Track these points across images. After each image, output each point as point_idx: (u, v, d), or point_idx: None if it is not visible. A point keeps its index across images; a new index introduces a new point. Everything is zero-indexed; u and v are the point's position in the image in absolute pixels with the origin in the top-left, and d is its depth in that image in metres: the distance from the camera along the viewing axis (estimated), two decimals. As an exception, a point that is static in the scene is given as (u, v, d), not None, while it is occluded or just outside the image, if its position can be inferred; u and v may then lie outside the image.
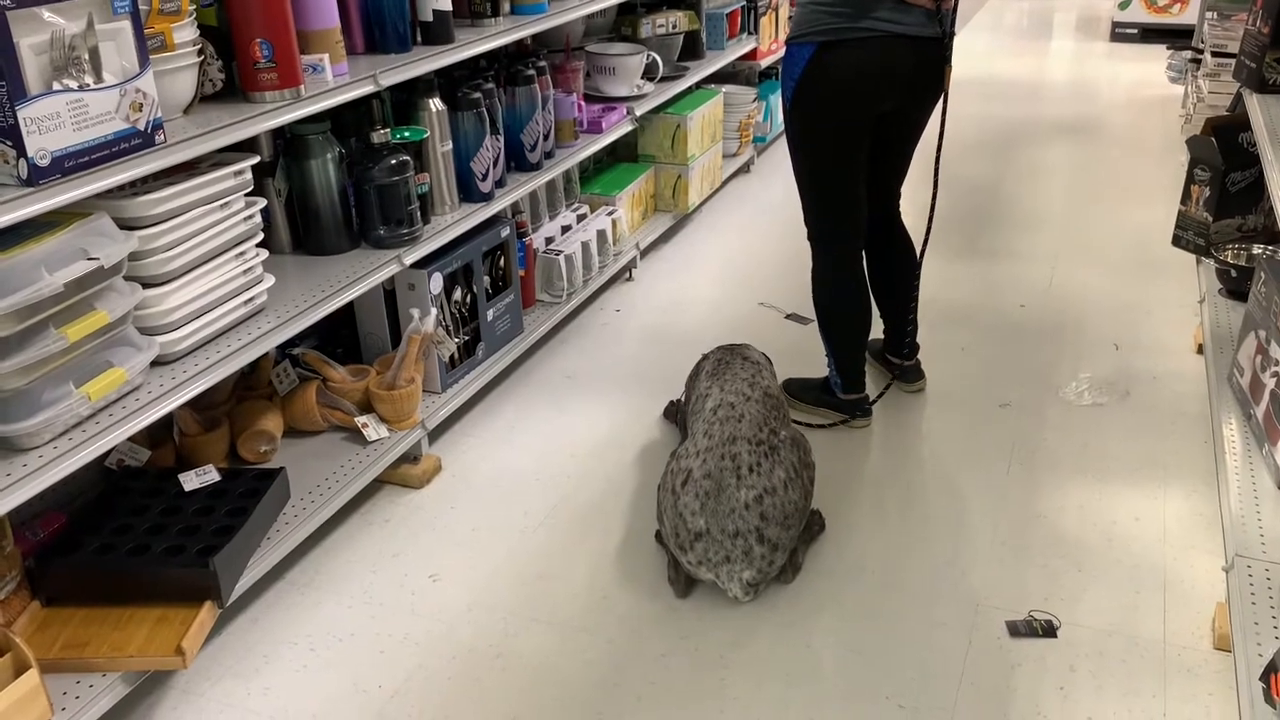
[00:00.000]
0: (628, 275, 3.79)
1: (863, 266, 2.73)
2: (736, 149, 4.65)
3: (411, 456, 2.66)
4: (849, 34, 2.35)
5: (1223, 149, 3.16)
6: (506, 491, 2.61)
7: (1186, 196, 3.32)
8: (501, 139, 2.87)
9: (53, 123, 1.60)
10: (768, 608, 2.19)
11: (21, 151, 1.57)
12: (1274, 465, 2.19)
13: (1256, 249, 3.10)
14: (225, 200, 2.02)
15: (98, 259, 1.69)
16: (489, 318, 2.92)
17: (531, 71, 2.97)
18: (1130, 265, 3.75)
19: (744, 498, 2.12)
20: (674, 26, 3.91)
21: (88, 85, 1.65)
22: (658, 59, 3.68)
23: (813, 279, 2.75)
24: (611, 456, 2.74)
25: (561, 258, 3.25)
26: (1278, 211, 2.11)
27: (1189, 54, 5.28)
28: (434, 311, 2.65)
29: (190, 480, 2.18)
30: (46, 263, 1.63)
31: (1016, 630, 2.10)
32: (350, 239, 2.51)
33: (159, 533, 2.03)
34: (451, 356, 2.79)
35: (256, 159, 2.09)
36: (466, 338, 2.85)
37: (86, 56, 1.64)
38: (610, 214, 3.57)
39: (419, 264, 2.60)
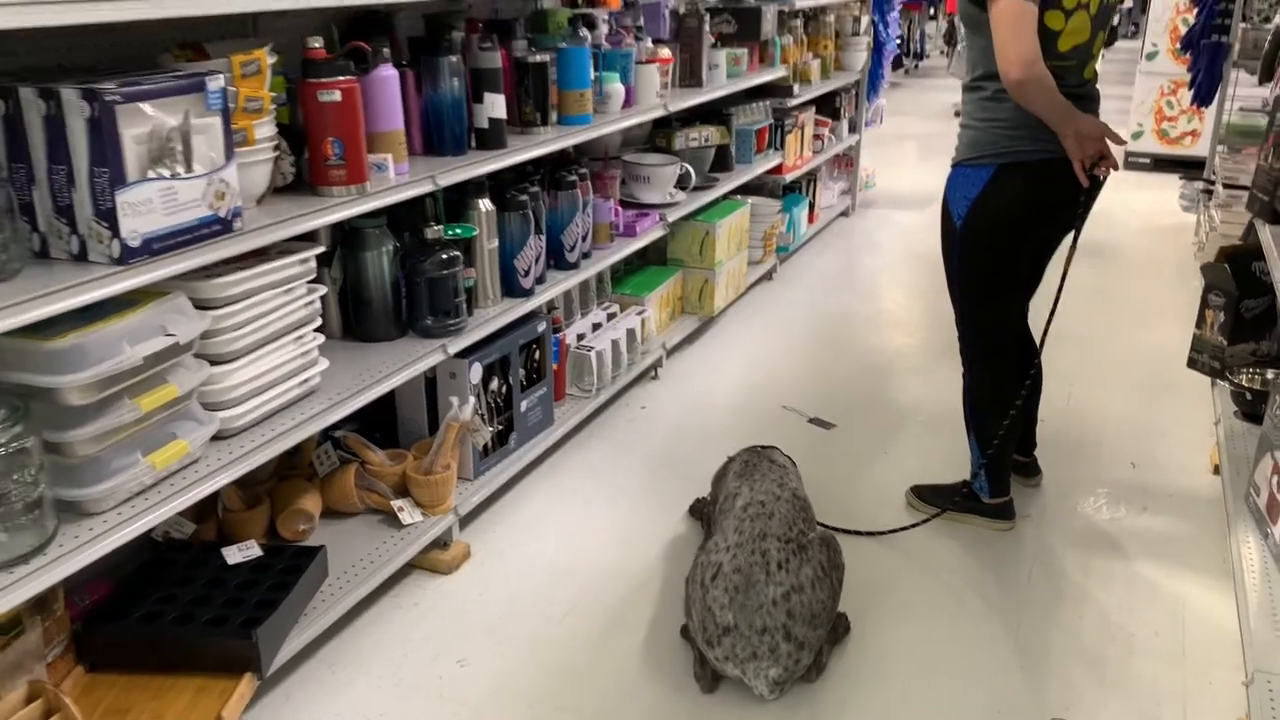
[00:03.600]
0: (654, 374, 3.88)
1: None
2: (760, 257, 4.80)
3: (442, 542, 2.71)
4: (1026, 156, 2.48)
5: (1237, 276, 3.28)
6: (534, 581, 2.65)
7: (1201, 321, 3.42)
8: (544, 239, 3.00)
9: (146, 207, 1.72)
10: (792, 707, 2.21)
11: (115, 233, 1.68)
12: (1292, 583, 2.23)
13: (1271, 373, 3.19)
14: (290, 286, 2.13)
15: (175, 336, 1.79)
16: (522, 408, 3.01)
17: (574, 177, 3.11)
18: (1146, 386, 3.84)
19: (773, 594, 2.17)
20: (706, 140, 4.09)
21: (179, 174, 1.77)
22: (690, 170, 3.84)
23: (970, 393, 2.83)
24: (637, 551, 2.79)
25: (593, 354, 3.35)
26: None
27: (1201, 184, 5.45)
28: (472, 400, 2.73)
29: (233, 554, 2.25)
30: (128, 337, 1.73)
31: (1039, 738, 2.12)
32: (399, 327, 2.62)
33: (202, 604, 2.09)
34: (486, 445, 2.86)
35: (321, 249, 2.20)
36: (500, 427, 2.93)
37: (180, 148, 1.77)
38: (640, 313, 3.69)
39: (461, 354, 2.70)
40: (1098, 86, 2.62)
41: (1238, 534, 2.54)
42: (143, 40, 2.10)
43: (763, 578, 2.19)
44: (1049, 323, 2.77)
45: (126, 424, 1.76)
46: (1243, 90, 5.58)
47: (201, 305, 1.93)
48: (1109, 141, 2.44)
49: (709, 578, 2.24)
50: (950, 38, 10.61)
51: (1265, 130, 3.17)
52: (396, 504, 2.62)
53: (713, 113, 4.35)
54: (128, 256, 1.70)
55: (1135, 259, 5.33)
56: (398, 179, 2.36)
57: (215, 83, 1.82)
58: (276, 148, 2.12)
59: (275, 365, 2.12)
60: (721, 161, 4.33)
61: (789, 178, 4.99)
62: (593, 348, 3.37)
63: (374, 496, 2.65)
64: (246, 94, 1.96)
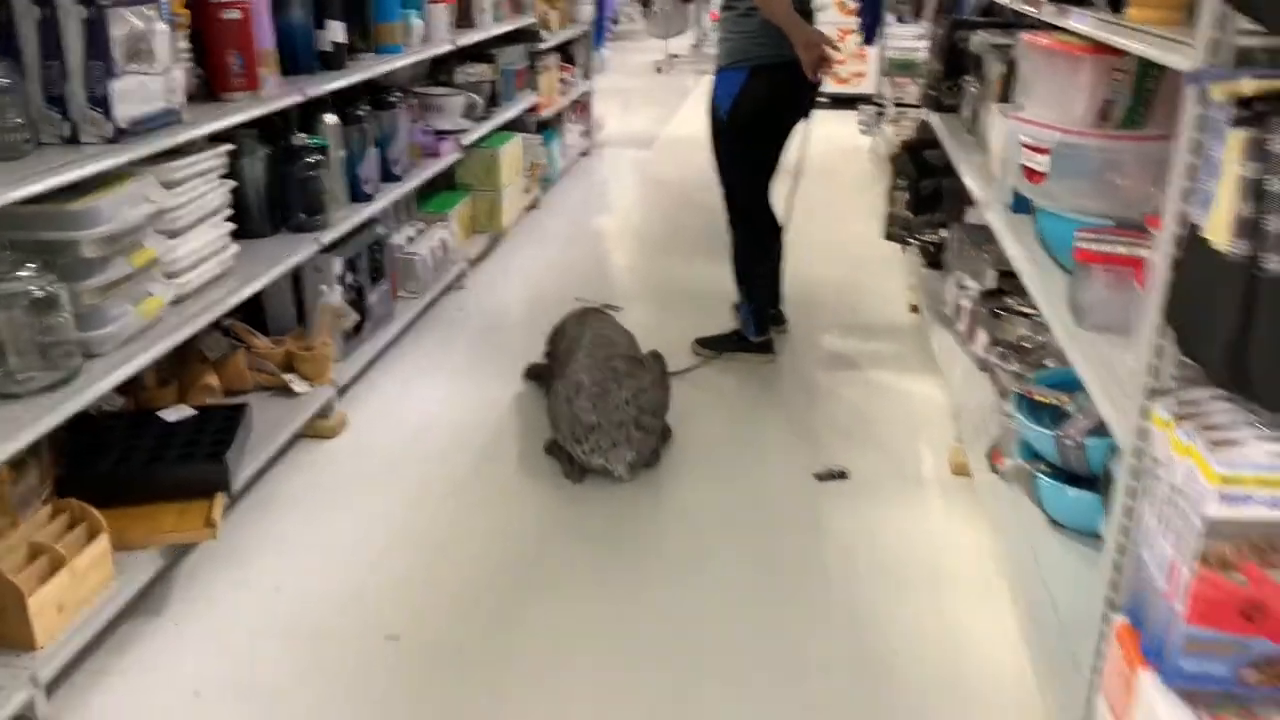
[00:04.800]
0: (460, 285, 4.41)
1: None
2: (529, 186, 5.40)
3: (324, 412, 3.15)
4: (771, 59, 3.21)
5: (915, 163, 4.27)
6: (408, 436, 3.15)
7: (892, 201, 4.40)
8: (379, 152, 3.46)
9: (129, 95, 2.10)
10: (641, 484, 2.88)
11: (109, 116, 2.06)
12: (972, 356, 3.16)
13: (944, 231, 4.20)
14: (211, 175, 2.52)
15: (156, 203, 2.18)
16: (372, 300, 3.47)
17: (395, 99, 3.59)
18: (854, 259, 4.82)
19: (624, 395, 2.83)
20: (481, 76, 4.63)
21: (148, 71, 2.15)
22: (478, 100, 4.38)
23: (737, 257, 3.59)
24: (489, 408, 3.35)
25: (417, 258, 3.84)
26: (966, 182, 3.11)
27: (875, 109, 6.61)
28: (338, 288, 3.18)
29: (170, 415, 2.61)
30: (125, 203, 2.11)
31: (821, 478, 2.92)
32: (273, 225, 3.02)
33: (164, 448, 2.46)
34: (347, 332, 3.31)
35: (232, 145, 2.60)
36: (359, 317, 3.39)
37: (147, 48, 2.15)
38: (446, 227, 4.20)
39: (325, 250, 3.13)
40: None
41: (935, 338, 3.48)
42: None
43: (615, 386, 2.84)
44: (791, 203, 3.59)
45: (121, 278, 2.14)
46: (896, 31, 6.79)
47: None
48: (827, 48, 3.26)
49: (573, 393, 2.86)
50: (647, 1, 11.56)
51: (926, 55, 4.15)
52: (287, 377, 3.03)
53: (479, 55, 4.89)
54: (120, 136, 2.08)
55: (829, 174, 6.39)
56: (278, 89, 2.77)
57: (163, -3, 2.21)
58: (190, 58, 2.49)
59: (207, 242, 2.51)
60: (492, 98, 4.88)
61: (545, 114, 5.61)
62: (416, 253, 3.87)
63: (263, 375, 3.05)
64: (174, 9, 2.34)
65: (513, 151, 4.88)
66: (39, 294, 1.93)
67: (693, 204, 5.71)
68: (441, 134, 4.18)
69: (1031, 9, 2.46)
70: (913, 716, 2.05)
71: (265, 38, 2.73)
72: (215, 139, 2.58)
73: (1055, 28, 2.24)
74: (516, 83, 5.17)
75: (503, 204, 4.72)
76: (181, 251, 2.41)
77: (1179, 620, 1.32)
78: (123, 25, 2.06)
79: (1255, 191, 1.17)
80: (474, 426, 3.23)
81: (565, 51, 6.36)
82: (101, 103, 2.04)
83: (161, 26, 2.20)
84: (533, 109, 5.48)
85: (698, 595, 2.42)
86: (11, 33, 2.01)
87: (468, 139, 4.32)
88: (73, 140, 2.07)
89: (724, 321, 3.87)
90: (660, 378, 2.95)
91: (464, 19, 4.48)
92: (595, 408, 2.82)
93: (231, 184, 2.62)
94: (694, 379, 3.54)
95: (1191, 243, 1.31)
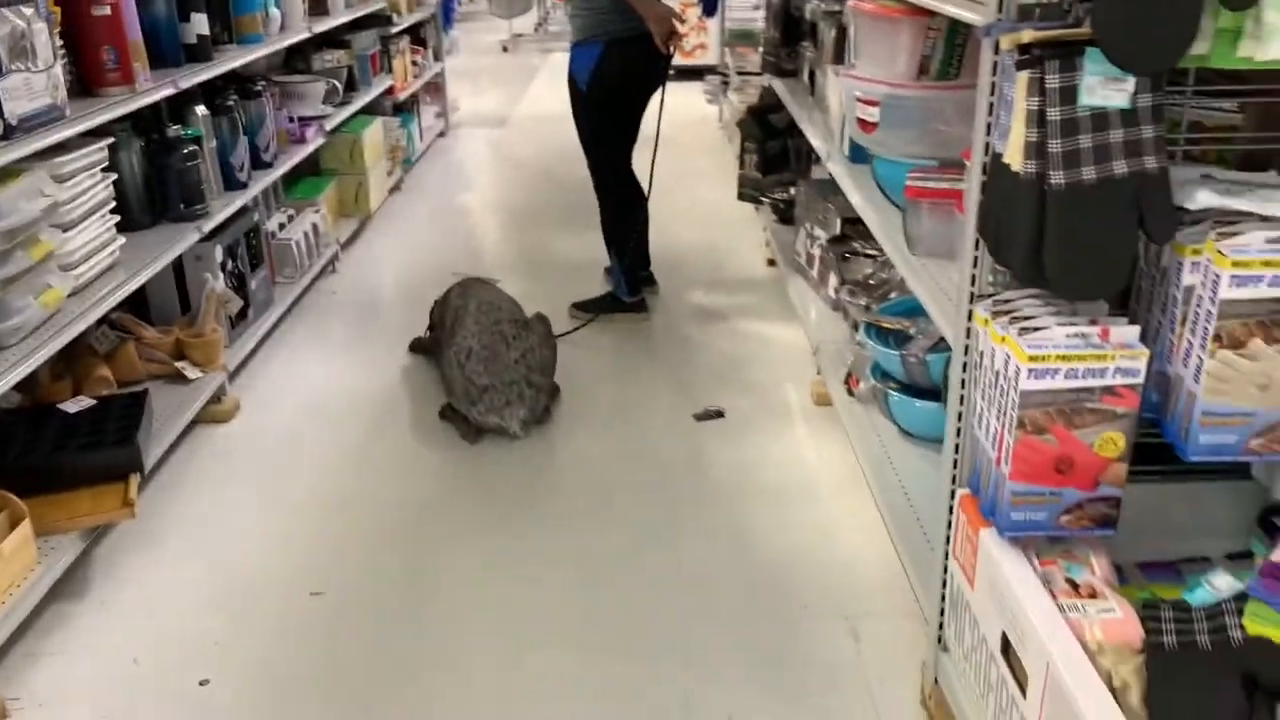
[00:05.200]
0: (333, 269, 4.49)
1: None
2: (391, 169, 5.48)
3: (217, 397, 3.23)
4: (624, 33, 3.40)
5: (761, 126, 4.56)
6: (300, 414, 3.26)
7: (742, 164, 4.68)
8: (247, 140, 3.53)
9: (16, 94, 2.16)
10: (534, 440, 3.08)
11: (1, 114, 2.12)
12: (825, 297, 3.46)
13: (792, 189, 4.51)
14: (96, 169, 2.58)
15: (52, 196, 2.24)
16: (253, 287, 3.55)
17: (259, 88, 3.65)
18: (710, 221, 5.11)
19: (514, 356, 3.02)
20: (338, 62, 4.69)
21: (31, 69, 2.22)
22: (338, 85, 4.45)
23: (606, 222, 3.80)
24: (376, 382, 3.48)
25: (292, 243, 3.92)
26: (810, 139, 3.40)
27: (719, 78, 6.91)
28: (221, 276, 3.25)
29: (71, 406, 2.67)
30: (22, 198, 2.17)
31: (700, 418, 3.18)
32: (153, 217, 3.07)
33: (69, 437, 2.52)
34: (231, 317, 3.39)
35: (112, 139, 2.66)
36: (242, 303, 3.46)
37: (29, 47, 2.21)
38: (317, 212, 4.28)
39: (205, 238, 3.20)
40: None
41: (791, 287, 3.78)
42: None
43: (504, 348, 3.03)
44: (652, 169, 3.82)
45: (22, 270, 2.20)
46: (734, 2, 7.10)
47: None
48: (675, 22, 3.50)
49: (464, 358, 3.03)
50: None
51: (764, 24, 4.43)
52: (180, 364, 3.10)
53: (334, 41, 4.94)
54: (10, 132, 2.14)
55: (681, 143, 6.66)
56: (152, 82, 2.84)
57: (40, -4, 2.27)
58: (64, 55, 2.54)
59: (96, 235, 2.57)
60: (350, 83, 4.94)
61: (401, 97, 5.69)
62: (290, 238, 3.94)
63: (155, 364, 3.11)
64: (48, 7, 2.39)
65: (375, 135, 4.96)
66: (-55, 290, 1.99)
67: (553, 178, 5.91)
68: (305, 120, 4.24)
69: (856, -22, 2.74)
70: (802, 612, 2.33)
71: (135, 32, 2.78)
72: (92, 133, 2.63)
73: (877, -6, 2.52)
74: (372, 67, 5.24)
75: (369, 187, 4.81)
76: (74, 244, 2.47)
77: (1006, 480, 1.61)
78: (4, 24, 2.12)
79: (1039, 120, 1.45)
80: (366, 400, 3.36)
81: (416, 34, 6.42)
82: (-9, 101, 2.10)
83: (40, 25, 2.26)
84: (389, 92, 5.56)
85: (598, 531, 2.65)
86: (-109, 36, 2.05)
87: (331, 124, 4.39)
88: (-40, 139, 2.13)
89: (596, 287, 4.08)
90: (546, 337, 3.15)
91: (317, 6, 4.53)
92: (487, 370, 3.00)
93: (113, 177, 2.68)
94: (575, 340, 3.74)
95: (995, 168, 1.59)
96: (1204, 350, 1.49)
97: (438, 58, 6.88)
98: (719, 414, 3.20)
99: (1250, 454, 1.53)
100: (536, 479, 2.91)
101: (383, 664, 2.19)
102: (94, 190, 2.57)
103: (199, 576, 2.48)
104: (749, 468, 2.92)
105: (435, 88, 7.00)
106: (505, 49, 11.13)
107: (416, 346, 3.69)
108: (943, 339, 2.52)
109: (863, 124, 2.44)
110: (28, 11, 2.20)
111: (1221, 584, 1.62)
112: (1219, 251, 1.45)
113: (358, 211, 4.84)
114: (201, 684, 2.14)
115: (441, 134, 7.04)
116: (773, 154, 4.59)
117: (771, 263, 4.42)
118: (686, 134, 6.91)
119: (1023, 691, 1.53)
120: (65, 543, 2.34)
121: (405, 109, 5.95)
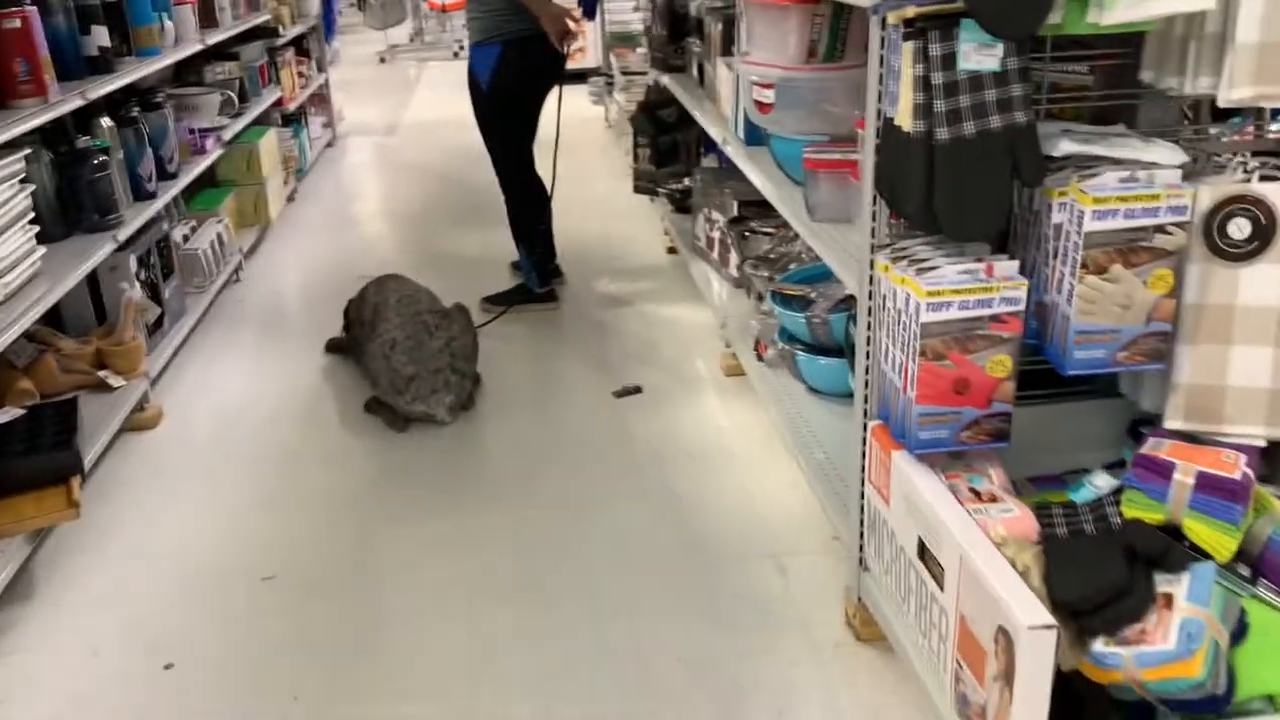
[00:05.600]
0: (237, 278, 4.51)
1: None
2: (285, 179, 5.50)
3: (140, 405, 3.25)
4: (520, 34, 3.53)
5: (652, 122, 4.75)
6: (224, 418, 3.31)
7: (636, 158, 4.87)
8: (152, 151, 3.55)
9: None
10: (461, 426, 3.20)
11: (-73, 124, 2.15)
12: (728, 276, 3.67)
13: (688, 179, 4.72)
14: (14, 181, 2.61)
15: (-22, 206, 2.28)
16: (167, 295, 3.57)
17: (160, 100, 3.68)
18: (609, 214, 5.29)
19: (438, 345, 3.13)
20: (229, 73, 4.71)
21: (-46, 79, 2.25)
22: (233, 96, 4.48)
23: (514, 217, 3.93)
24: (297, 383, 3.54)
25: (199, 251, 3.94)
26: (706, 128, 3.60)
27: (603, 80, 7.10)
28: (137, 285, 3.28)
29: (1, 416, 2.68)
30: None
31: (619, 395, 3.35)
32: (65, 228, 3.08)
33: (5, 445, 2.54)
34: (148, 325, 3.41)
35: (29, 149, 2.68)
36: (160, 310, 3.48)
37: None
38: (220, 222, 4.30)
39: (120, 248, 3.22)
40: None
41: (694, 270, 3.98)
42: None
43: (427, 337, 3.14)
44: (555, 166, 3.97)
45: (-45, 281, 2.24)
46: (613, 5, 7.31)
47: (-30, 191, 2.39)
48: (568, 21, 3.66)
49: (389, 349, 3.13)
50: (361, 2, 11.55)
51: (643, 26, 4.63)
52: (102, 373, 3.12)
53: (222, 54, 4.94)
54: (-61, 142, 2.17)
55: (572, 142, 6.81)
56: (62, 94, 2.86)
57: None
58: (-27, 69, 2.56)
59: (18, 246, 2.60)
60: (241, 94, 4.95)
61: (290, 108, 5.70)
62: (198, 248, 3.96)
63: (76, 375, 3.12)
64: (-41, 21, 2.42)
65: (270, 144, 4.99)
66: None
67: (446, 181, 6.02)
68: (204, 132, 4.26)
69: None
70: (732, 558, 2.51)
71: (44, 44, 2.81)
72: (4, 145, 2.66)
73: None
74: (261, 79, 5.26)
75: (268, 196, 4.84)
76: (1, 253, 2.49)
77: (912, 404, 1.82)
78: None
79: (924, 85, 1.67)
80: (289, 400, 3.42)
81: (300, 46, 6.43)
82: (-83, 112, 2.13)
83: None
84: (278, 103, 5.57)
85: (532, 504, 2.79)
86: None
87: (227, 135, 4.41)
88: (-111, 151, 2.15)
89: (500, 281, 4.21)
90: (467, 326, 3.27)
91: (207, 19, 4.54)
92: (412, 359, 3.11)
93: (31, 187, 2.70)
94: (490, 332, 3.87)
95: (887, 130, 1.80)
96: (1074, 277, 1.73)
97: (321, 69, 6.89)
98: (637, 390, 3.37)
99: (1118, 365, 1.78)
100: (466, 461, 3.03)
101: (343, 633, 2.29)
102: (14, 202, 2.59)
103: (147, 572, 2.53)
104: (670, 437, 3.10)
105: (321, 98, 7.01)
106: (383, 60, 11.12)
107: (333, 346, 3.76)
108: (842, 300, 2.76)
109: (760, 105, 2.64)
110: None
111: (1101, 482, 1.87)
112: (1081, 191, 1.69)
113: (258, 221, 4.86)
114: (166, 668, 2.21)
115: (330, 144, 7.05)
116: (665, 148, 4.79)
117: (672, 250, 4.62)
118: (576, 134, 7.02)
119: (940, 585, 1.75)
120: (11, 547, 2.37)
121: (294, 119, 5.96)
